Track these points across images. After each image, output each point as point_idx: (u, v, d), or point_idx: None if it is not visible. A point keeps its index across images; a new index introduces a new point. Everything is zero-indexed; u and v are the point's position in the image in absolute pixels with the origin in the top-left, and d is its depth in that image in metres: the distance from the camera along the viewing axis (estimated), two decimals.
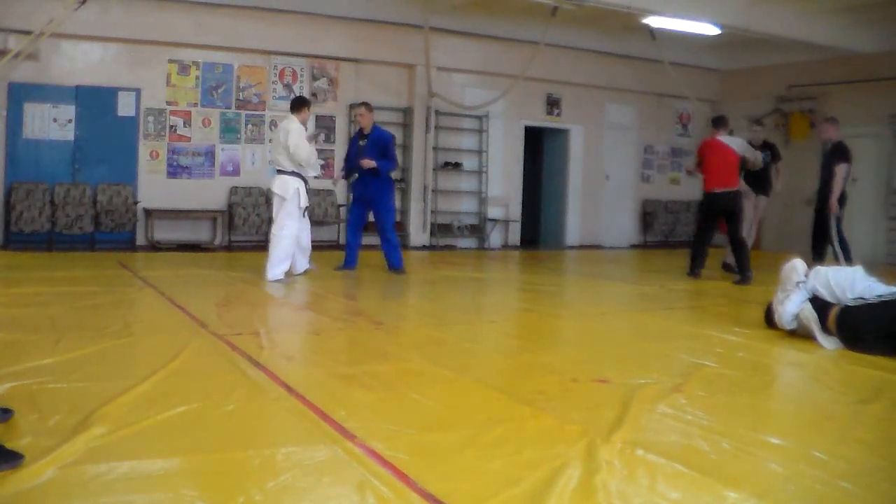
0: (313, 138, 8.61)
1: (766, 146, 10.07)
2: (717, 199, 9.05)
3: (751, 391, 4.38)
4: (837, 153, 9.38)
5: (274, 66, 12.20)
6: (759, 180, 10.00)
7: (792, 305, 5.50)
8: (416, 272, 10.37)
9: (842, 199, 9.45)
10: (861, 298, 5.24)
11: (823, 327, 5.32)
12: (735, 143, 9.17)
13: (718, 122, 9.30)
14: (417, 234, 13.10)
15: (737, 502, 2.65)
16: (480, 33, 13.10)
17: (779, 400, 4.32)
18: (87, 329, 5.16)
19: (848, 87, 13.23)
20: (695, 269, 9.37)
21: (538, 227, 15.20)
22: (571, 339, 6.15)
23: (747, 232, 9.75)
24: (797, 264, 5.73)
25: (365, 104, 9.06)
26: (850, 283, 5.33)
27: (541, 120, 14.40)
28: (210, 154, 11.83)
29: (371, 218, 9.15)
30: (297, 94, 10.94)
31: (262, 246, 11.63)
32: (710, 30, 11.59)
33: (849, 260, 8.91)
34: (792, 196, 11.88)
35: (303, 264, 8.57)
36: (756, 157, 9.21)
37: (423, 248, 12.99)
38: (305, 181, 8.32)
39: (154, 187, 11.41)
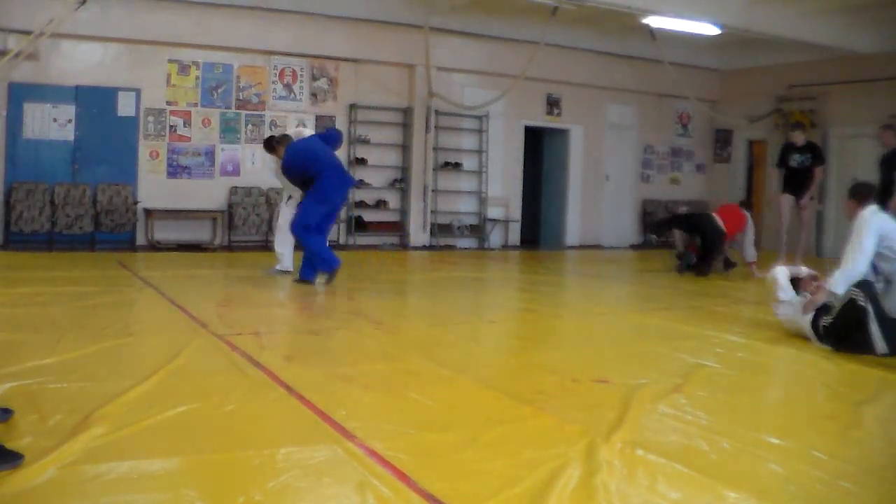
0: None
1: (808, 148, 10.29)
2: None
3: (751, 391, 4.38)
4: (894, 159, 9.54)
5: (274, 66, 12.19)
6: (804, 183, 10.26)
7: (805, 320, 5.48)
8: (416, 272, 10.38)
9: None
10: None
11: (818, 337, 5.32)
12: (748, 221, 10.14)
13: (750, 206, 10.61)
14: (417, 234, 13.10)
15: (737, 502, 2.65)
16: (480, 33, 13.09)
17: (779, 400, 4.32)
18: (87, 329, 5.17)
19: (848, 87, 13.23)
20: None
21: (538, 227, 15.19)
22: (571, 339, 6.15)
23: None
24: (778, 275, 5.75)
25: None
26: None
27: (541, 120, 14.39)
28: (210, 154, 11.83)
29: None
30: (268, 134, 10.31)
31: (262, 246, 11.67)
32: (710, 30, 11.58)
33: None
34: None
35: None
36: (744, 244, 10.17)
37: (423, 248, 12.99)
38: None
39: (154, 187, 11.41)
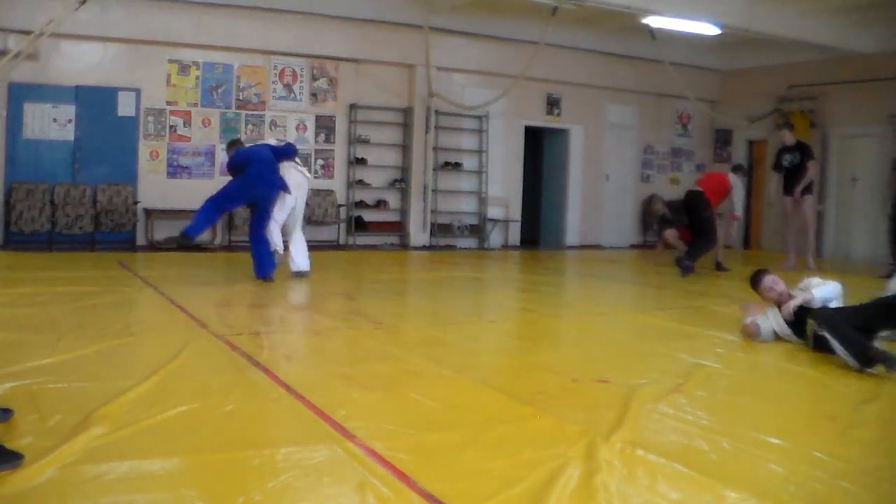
0: None
1: (797, 147, 10.47)
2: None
3: (751, 391, 4.38)
4: None
5: (274, 66, 12.19)
6: (797, 181, 10.40)
7: (772, 329, 5.48)
8: (416, 272, 10.38)
9: None
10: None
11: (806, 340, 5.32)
12: (736, 184, 10.17)
13: (738, 169, 10.72)
14: (417, 234, 13.10)
15: (737, 502, 2.65)
16: (480, 33, 13.10)
17: (779, 400, 4.32)
18: (87, 329, 5.17)
19: (848, 87, 13.23)
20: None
21: (538, 227, 15.20)
22: (571, 339, 6.15)
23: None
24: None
25: None
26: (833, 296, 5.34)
27: (541, 120, 14.39)
28: (210, 154, 11.83)
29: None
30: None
31: None
32: (710, 30, 11.59)
33: None
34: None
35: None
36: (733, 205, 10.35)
37: (423, 248, 12.99)
38: None
39: (154, 187, 11.41)
